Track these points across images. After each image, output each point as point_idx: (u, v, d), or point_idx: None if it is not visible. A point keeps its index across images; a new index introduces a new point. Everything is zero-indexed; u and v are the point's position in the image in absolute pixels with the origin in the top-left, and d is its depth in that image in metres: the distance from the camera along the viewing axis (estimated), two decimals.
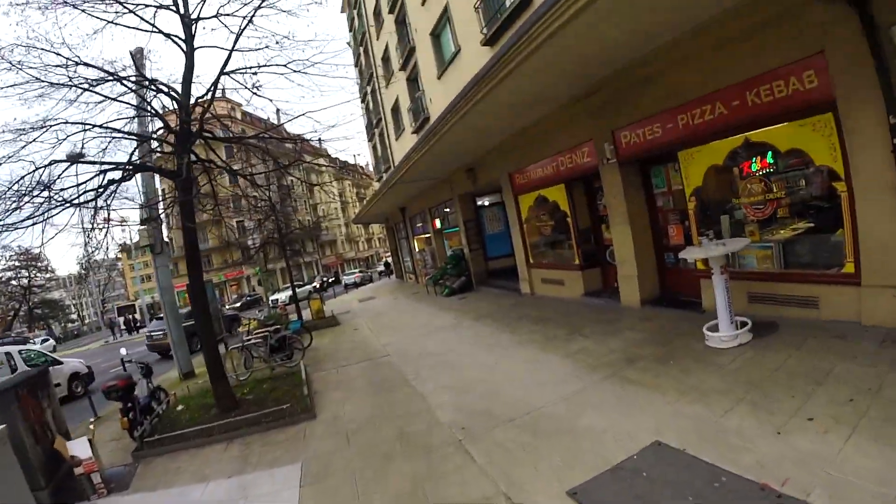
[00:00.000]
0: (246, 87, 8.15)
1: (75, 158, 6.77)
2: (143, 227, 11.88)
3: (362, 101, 33.30)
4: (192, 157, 7.71)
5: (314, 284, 40.47)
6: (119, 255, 62.65)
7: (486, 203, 18.94)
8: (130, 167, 7.09)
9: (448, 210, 19.83)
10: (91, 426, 6.59)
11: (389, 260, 45.36)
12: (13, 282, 51.74)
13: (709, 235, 6.95)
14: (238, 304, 39.50)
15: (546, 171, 11.75)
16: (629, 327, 8.21)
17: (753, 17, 6.07)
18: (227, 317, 20.37)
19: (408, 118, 21.20)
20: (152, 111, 7.47)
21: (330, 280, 49.37)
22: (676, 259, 8.93)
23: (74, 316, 64.47)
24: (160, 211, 11.74)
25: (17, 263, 50.85)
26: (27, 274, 52.23)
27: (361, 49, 30.07)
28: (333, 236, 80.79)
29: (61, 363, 14.42)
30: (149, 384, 8.77)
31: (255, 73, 8.17)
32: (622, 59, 7.64)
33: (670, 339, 7.08)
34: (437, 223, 21.26)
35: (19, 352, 13.60)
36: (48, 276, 56.64)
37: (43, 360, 13.69)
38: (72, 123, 6.54)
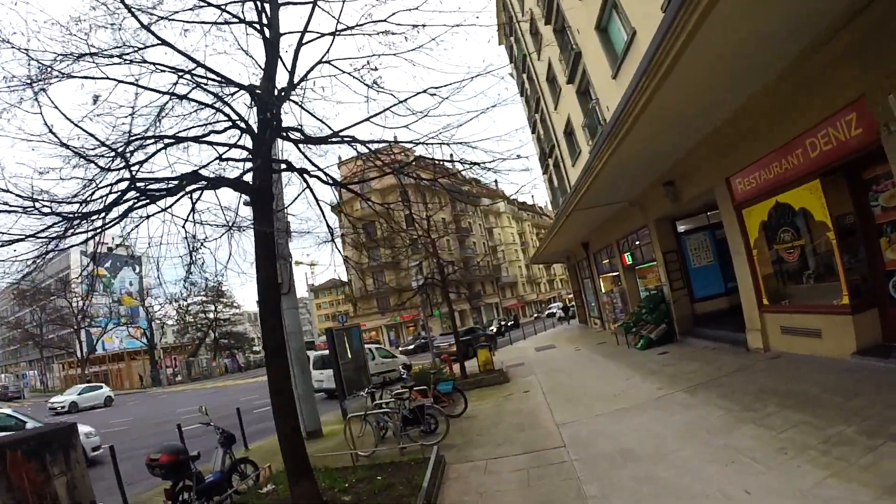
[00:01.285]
0: (360, 81, 6.22)
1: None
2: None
3: (533, 132, 31.19)
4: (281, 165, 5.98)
5: (491, 329, 38.03)
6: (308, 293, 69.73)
7: (688, 228, 14.82)
8: (204, 181, 5.39)
9: (640, 242, 16.07)
10: None
11: (570, 302, 41.68)
12: (200, 314, 59.54)
13: None
14: (412, 347, 38.95)
15: (785, 165, 7.88)
16: None
17: None
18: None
19: (583, 137, 18.21)
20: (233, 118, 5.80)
21: (508, 324, 46.83)
22: None
23: (258, 347, 71.82)
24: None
25: (204, 298, 58.96)
26: (213, 308, 59.66)
27: (525, 77, 28.30)
28: (514, 278, 79.14)
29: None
30: (227, 454, 6.88)
31: (372, 67, 6.24)
32: None
33: None
34: (627, 258, 17.50)
35: (377, 348, 23.00)
36: (233, 311, 64.72)
37: (386, 355, 23.21)
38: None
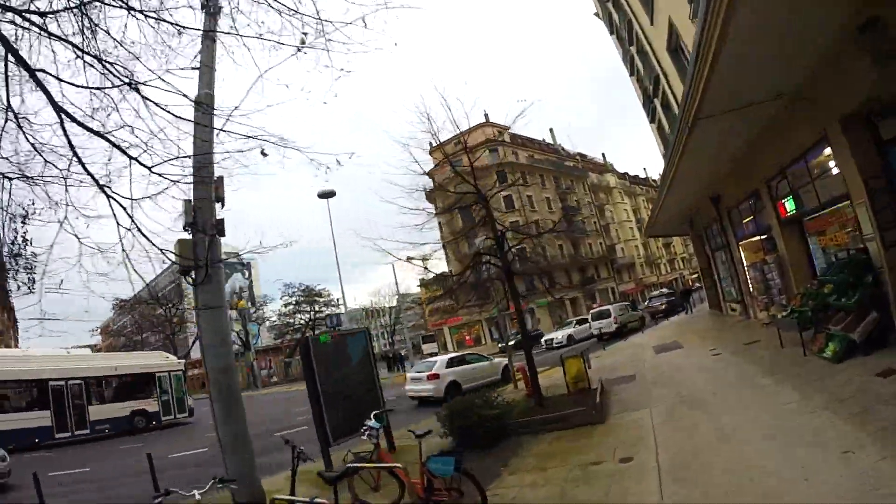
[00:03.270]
0: None
1: None
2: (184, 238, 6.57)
3: (631, 73, 25.02)
4: None
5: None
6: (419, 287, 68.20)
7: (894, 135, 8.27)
8: None
9: (811, 172, 9.72)
10: None
11: (692, 284, 33.62)
12: (297, 315, 60.83)
13: None
14: (513, 343, 31.88)
15: None
16: None
17: None
18: None
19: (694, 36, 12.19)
20: None
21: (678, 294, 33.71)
22: None
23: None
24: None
25: (299, 299, 60.44)
26: (310, 308, 60.30)
27: (610, 4, 22.24)
28: (630, 259, 70.72)
29: None
30: None
31: None
32: None
33: None
34: (787, 206, 11.07)
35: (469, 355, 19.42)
36: (331, 310, 64.18)
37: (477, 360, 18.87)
38: None
